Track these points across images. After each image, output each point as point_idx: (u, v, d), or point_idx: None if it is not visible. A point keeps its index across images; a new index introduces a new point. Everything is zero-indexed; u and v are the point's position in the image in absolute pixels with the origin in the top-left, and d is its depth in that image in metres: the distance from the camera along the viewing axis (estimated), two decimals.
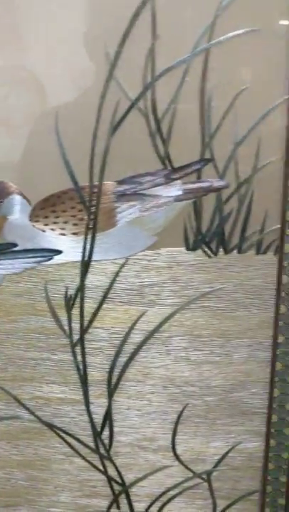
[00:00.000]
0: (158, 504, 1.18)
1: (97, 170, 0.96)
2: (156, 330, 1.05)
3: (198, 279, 1.01)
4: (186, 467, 1.14)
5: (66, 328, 1.06)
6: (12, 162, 1.00)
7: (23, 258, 1.01)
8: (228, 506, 1.17)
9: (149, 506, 1.18)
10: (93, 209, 0.97)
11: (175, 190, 0.95)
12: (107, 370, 1.09)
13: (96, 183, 0.97)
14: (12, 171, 0.99)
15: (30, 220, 0.99)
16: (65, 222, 0.98)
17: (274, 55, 0.88)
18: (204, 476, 1.15)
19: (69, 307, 1.04)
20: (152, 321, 1.05)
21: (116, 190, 0.96)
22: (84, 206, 0.97)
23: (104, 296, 1.03)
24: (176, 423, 1.11)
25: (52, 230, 0.99)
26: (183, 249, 1.00)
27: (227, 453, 1.13)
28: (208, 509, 1.18)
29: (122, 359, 1.08)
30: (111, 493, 1.19)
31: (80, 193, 0.96)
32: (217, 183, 0.94)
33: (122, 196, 0.96)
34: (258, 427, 1.11)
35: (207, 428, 1.12)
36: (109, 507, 1.20)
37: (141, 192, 0.95)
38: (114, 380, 1.09)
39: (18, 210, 0.99)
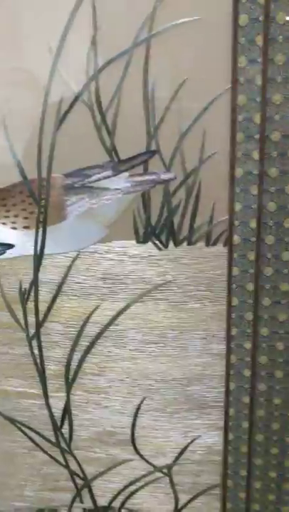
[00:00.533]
0: (120, 498, 1.16)
1: (45, 163, 0.94)
2: (110, 323, 1.03)
3: (150, 271, 0.99)
4: (147, 461, 1.12)
5: (22, 322, 1.04)
6: None
7: None
8: (190, 501, 1.15)
9: (112, 500, 1.16)
10: (43, 202, 0.95)
11: (123, 182, 0.93)
12: (65, 363, 1.07)
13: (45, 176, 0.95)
14: None
15: None
16: (16, 216, 0.97)
17: (216, 45, 0.86)
18: (165, 470, 1.13)
19: (24, 301, 1.03)
20: (107, 314, 1.03)
21: (64, 183, 0.94)
22: (33, 199, 0.95)
23: (58, 290, 1.02)
24: (135, 417, 1.09)
25: (3, 224, 0.98)
26: (134, 241, 0.98)
27: (186, 447, 1.11)
28: (170, 503, 1.16)
29: (79, 353, 1.06)
30: (74, 487, 1.17)
31: (29, 186, 0.94)
32: (164, 175, 0.92)
33: (70, 189, 0.94)
34: (216, 420, 1.08)
35: (166, 422, 1.10)
36: (73, 501, 1.18)
37: (89, 185, 0.94)
38: (71, 373, 1.07)
39: None
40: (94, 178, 0.93)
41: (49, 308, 1.03)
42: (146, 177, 0.93)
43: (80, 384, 1.08)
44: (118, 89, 0.89)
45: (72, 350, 1.04)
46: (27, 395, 1.10)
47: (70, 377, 1.07)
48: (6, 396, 1.10)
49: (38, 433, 1.12)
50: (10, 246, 0.98)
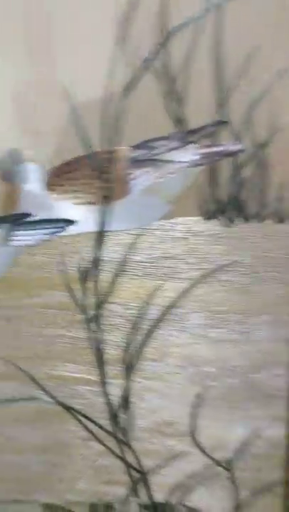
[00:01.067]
0: (178, 494, 1.10)
1: (110, 135, 0.91)
2: (172, 306, 0.98)
3: (215, 250, 0.94)
4: (206, 454, 1.06)
5: (82, 303, 1.00)
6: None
7: (39, 229, 0.96)
8: (250, 498, 1.08)
9: (169, 496, 1.10)
10: (107, 176, 0.92)
11: (190, 155, 0.89)
12: (124, 348, 1.02)
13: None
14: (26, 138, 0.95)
15: (45, 189, 0.94)
16: (80, 191, 0.93)
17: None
18: (225, 465, 1.06)
19: (84, 281, 0.99)
20: (169, 295, 0.98)
21: (130, 156, 0.90)
22: (98, 173, 0.92)
23: (120, 269, 0.97)
24: (195, 406, 1.04)
25: (67, 199, 0.94)
26: (199, 218, 0.93)
27: (248, 440, 1.04)
28: (229, 500, 1.09)
29: (139, 337, 1.01)
30: (129, 481, 1.11)
31: (94, 159, 0.91)
32: (233, 147, 0.88)
33: (135, 162, 0.91)
34: (281, 411, 1.02)
35: (227, 412, 1.04)
36: (128, 495, 1.12)
37: (155, 158, 0.90)
38: (131, 359, 1.02)
39: (33, 179, 0.94)
40: (160, 150, 0.89)
41: (110, 289, 0.98)
42: (215, 149, 0.89)
43: (138, 370, 1.03)
44: (188, 57, 0.86)
45: (133, 333, 0.99)
46: (84, 381, 1.05)
47: (130, 362, 1.02)
48: (63, 382, 1.06)
49: (94, 422, 1.07)
50: (71, 222, 0.94)
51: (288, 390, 1.01)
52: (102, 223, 0.95)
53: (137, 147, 0.91)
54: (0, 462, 1.11)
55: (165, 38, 0.86)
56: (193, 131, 0.90)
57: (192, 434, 1.04)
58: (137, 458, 1.07)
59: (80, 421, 1.07)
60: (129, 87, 0.88)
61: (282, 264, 0.94)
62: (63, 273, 0.99)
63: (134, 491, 1.09)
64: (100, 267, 0.98)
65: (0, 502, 1.11)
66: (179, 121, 0.90)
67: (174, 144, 0.91)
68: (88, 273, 0.98)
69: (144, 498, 1.10)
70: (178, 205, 0.94)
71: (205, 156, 0.90)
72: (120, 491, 1.11)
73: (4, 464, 1.10)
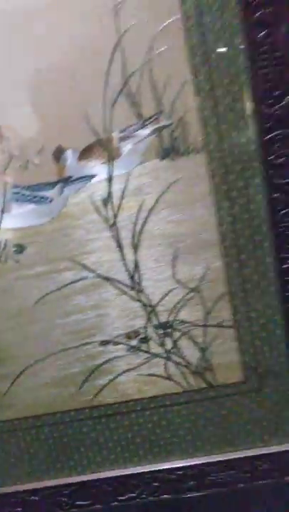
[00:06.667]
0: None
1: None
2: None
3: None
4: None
5: (105, 216, 1.49)
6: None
7: (78, 183, 1.48)
8: None
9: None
10: (108, 148, 1.43)
11: (147, 131, 1.43)
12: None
13: None
14: None
15: (77, 161, 1.44)
16: (96, 159, 1.51)
17: None
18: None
19: (105, 204, 1.52)
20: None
21: (118, 136, 1.43)
22: (104, 147, 1.44)
23: (122, 196, 1.48)
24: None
25: (89, 164, 1.47)
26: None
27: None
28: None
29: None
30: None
31: (101, 142, 1.43)
32: (166, 122, 1.40)
33: (122, 138, 1.44)
34: None
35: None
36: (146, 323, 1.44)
37: (131, 135, 1.42)
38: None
39: (71, 158, 1.46)
40: (133, 129, 1.42)
41: (118, 207, 1.41)
42: (159, 125, 1.39)
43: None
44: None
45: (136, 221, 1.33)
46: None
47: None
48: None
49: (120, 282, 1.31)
50: (93, 176, 1.49)
51: None
52: (111, 171, 1.52)
53: (122, 131, 1.43)
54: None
55: None
56: (147, 119, 1.40)
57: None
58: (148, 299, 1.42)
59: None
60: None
61: None
62: (93, 202, 1.49)
63: (148, 319, 1.45)
64: (112, 196, 1.44)
65: None
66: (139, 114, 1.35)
67: (139, 126, 1.43)
68: (106, 200, 1.50)
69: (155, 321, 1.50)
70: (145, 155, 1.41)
71: (154, 130, 1.44)
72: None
73: None
